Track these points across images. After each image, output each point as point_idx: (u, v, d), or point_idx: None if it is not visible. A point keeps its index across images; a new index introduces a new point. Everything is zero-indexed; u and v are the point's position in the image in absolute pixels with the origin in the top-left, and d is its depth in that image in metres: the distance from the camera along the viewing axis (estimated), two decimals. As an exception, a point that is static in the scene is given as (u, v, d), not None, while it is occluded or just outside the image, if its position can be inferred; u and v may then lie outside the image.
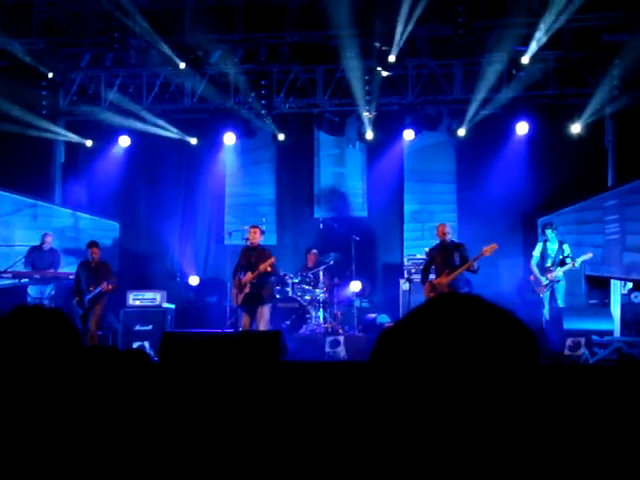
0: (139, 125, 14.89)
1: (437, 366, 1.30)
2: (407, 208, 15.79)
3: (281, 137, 15.29)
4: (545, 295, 12.33)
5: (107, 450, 2.11)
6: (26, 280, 13.10)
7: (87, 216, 15.54)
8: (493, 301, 1.39)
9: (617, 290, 12.87)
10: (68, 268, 14.07)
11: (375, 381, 1.37)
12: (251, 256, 11.49)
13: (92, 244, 12.31)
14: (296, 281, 13.53)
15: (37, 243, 13.27)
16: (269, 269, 11.38)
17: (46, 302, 12.84)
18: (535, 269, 12.47)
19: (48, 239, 13.24)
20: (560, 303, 12.20)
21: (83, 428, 2.07)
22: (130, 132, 15.12)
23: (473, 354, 1.30)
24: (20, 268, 12.94)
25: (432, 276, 11.52)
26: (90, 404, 2.19)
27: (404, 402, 1.32)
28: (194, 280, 15.35)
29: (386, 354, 1.37)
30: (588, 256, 12.19)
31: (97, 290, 11.91)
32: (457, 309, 1.36)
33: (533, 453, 1.31)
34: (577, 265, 12.27)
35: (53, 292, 13.16)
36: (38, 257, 13.15)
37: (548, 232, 12.43)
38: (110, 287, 11.98)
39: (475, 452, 1.28)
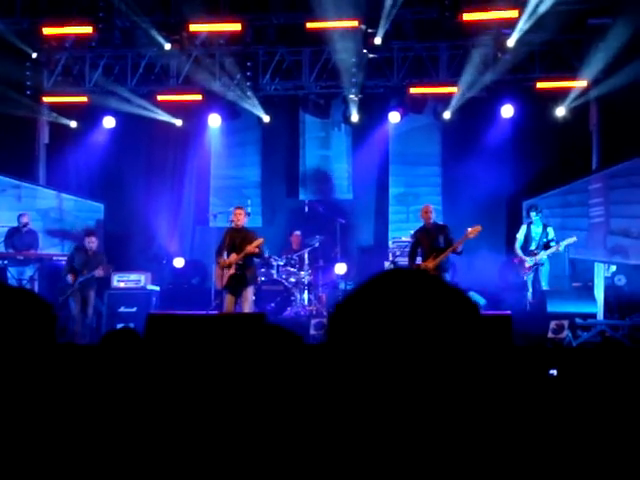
0: (124, 106, 14.80)
1: (383, 342, 1.32)
2: (392, 191, 15.77)
3: (266, 119, 15.20)
4: (529, 278, 12.39)
5: (96, 435, 2.11)
6: (6, 261, 13.07)
7: (71, 197, 15.41)
8: (436, 277, 1.43)
9: (601, 273, 12.93)
10: (52, 249, 14.04)
11: (329, 358, 1.40)
12: (236, 238, 11.44)
13: (90, 233, 12.50)
14: (281, 263, 13.47)
15: (15, 224, 13.23)
16: (257, 250, 11.34)
17: (25, 283, 12.81)
18: (519, 251, 12.52)
19: (24, 219, 13.17)
20: (544, 286, 12.26)
21: (67, 415, 2.07)
22: (115, 113, 15.01)
23: (419, 329, 1.33)
24: (1, 249, 12.90)
25: (419, 259, 11.53)
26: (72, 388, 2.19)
27: (356, 378, 1.34)
28: (179, 262, 15.27)
29: (337, 332, 1.40)
30: (572, 240, 12.23)
31: (90, 274, 12.06)
32: (403, 285, 1.39)
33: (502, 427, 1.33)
34: (561, 249, 12.32)
35: (33, 273, 13.11)
36: (18, 238, 13.11)
37: (533, 214, 12.46)
38: (102, 273, 12.23)
39: (430, 424, 1.30)
